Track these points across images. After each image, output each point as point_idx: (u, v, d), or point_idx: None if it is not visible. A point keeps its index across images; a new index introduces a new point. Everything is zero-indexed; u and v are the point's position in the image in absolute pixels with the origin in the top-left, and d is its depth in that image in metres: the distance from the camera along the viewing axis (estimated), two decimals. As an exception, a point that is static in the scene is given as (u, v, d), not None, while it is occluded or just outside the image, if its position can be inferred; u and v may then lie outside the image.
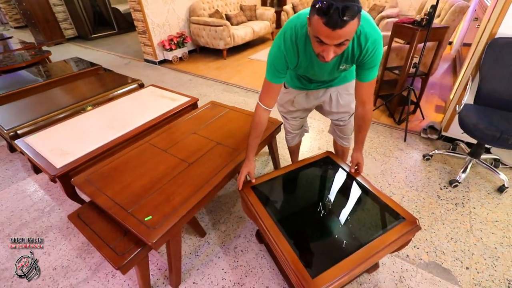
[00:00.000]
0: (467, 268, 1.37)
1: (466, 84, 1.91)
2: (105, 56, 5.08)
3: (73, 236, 1.61)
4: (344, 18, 0.74)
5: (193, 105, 2.21)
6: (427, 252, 1.45)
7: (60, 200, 1.86)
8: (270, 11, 5.15)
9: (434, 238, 1.52)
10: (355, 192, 1.22)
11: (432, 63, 2.47)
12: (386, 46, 2.58)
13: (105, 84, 2.62)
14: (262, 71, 1.38)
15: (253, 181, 1.26)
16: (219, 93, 3.37)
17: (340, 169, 1.34)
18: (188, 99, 2.22)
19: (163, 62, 4.46)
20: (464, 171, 1.83)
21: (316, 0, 0.77)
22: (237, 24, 4.82)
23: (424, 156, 2.11)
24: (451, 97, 2.33)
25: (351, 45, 0.97)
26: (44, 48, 4.39)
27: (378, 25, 1.98)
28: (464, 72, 2.10)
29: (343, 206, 1.17)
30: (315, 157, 1.42)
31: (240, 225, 1.64)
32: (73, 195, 1.61)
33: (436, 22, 2.77)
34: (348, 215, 1.11)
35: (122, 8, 6.62)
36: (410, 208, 1.69)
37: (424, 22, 2.17)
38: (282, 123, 1.67)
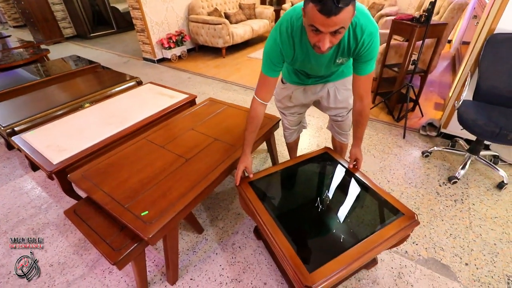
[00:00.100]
0: (466, 264, 1.37)
1: (465, 80, 1.90)
2: (104, 55, 5.07)
3: (70, 232, 1.60)
4: (339, 4, 0.73)
5: (191, 102, 2.20)
6: (426, 248, 1.44)
7: (57, 197, 1.85)
8: (269, 10, 5.15)
9: (433, 234, 1.51)
10: (353, 188, 1.21)
11: (431, 60, 2.46)
12: (385, 44, 2.57)
13: (103, 82, 2.61)
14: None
15: (251, 176, 1.26)
16: (218, 91, 3.36)
17: (338, 165, 1.33)
18: (186, 96, 2.21)
19: (162, 60, 4.45)
20: (463, 168, 1.83)
21: None
22: (236, 22, 4.82)
23: (423, 153, 2.10)
24: (450, 94, 2.32)
25: (346, 37, 0.97)
26: (43, 47, 4.38)
27: (377, 23, 1.98)
28: (463, 69, 2.09)
29: (341, 201, 1.16)
30: (313, 153, 1.41)
31: (238, 221, 1.63)
32: (70, 192, 1.60)
33: (435, 19, 2.76)
34: (346, 211, 1.11)
35: (121, 7, 6.60)
36: (409, 205, 1.69)
37: (423, 19, 2.17)
38: (280, 119, 1.66)
